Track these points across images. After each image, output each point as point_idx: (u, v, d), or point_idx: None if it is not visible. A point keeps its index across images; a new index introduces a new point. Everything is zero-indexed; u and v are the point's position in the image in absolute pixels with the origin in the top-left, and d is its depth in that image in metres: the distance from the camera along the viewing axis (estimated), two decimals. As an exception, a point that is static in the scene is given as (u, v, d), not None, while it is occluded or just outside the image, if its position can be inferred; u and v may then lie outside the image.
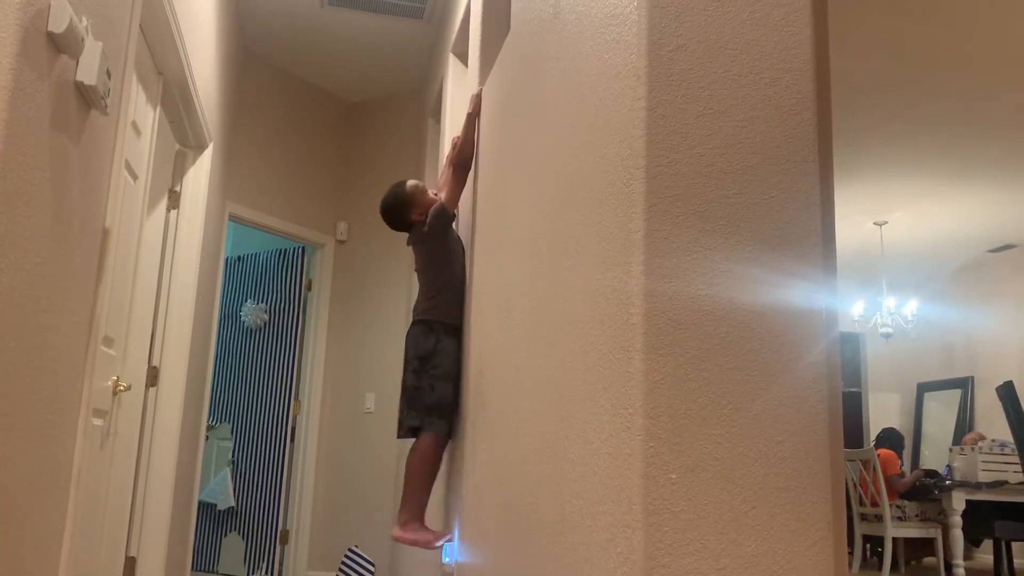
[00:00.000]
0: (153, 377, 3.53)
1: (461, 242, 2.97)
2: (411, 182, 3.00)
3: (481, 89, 2.91)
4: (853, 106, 4.72)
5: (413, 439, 2.76)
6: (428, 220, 2.84)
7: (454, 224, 2.99)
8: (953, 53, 4.13)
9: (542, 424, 1.79)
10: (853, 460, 5.66)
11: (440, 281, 2.84)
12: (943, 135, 5.09)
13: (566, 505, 1.56)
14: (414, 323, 2.84)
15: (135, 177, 2.80)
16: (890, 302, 7.10)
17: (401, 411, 2.79)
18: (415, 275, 3.01)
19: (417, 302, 2.89)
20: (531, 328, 1.96)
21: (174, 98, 3.26)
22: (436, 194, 2.97)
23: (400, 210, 2.95)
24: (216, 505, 5.24)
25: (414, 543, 2.67)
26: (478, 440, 2.50)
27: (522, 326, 2.06)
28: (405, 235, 3.01)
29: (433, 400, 2.72)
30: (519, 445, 1.98)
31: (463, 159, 2.92)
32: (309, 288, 5.38)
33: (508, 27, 2.63)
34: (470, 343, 2.71)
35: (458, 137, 2.97)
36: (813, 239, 1.39)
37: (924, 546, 6.01)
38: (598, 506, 1.39)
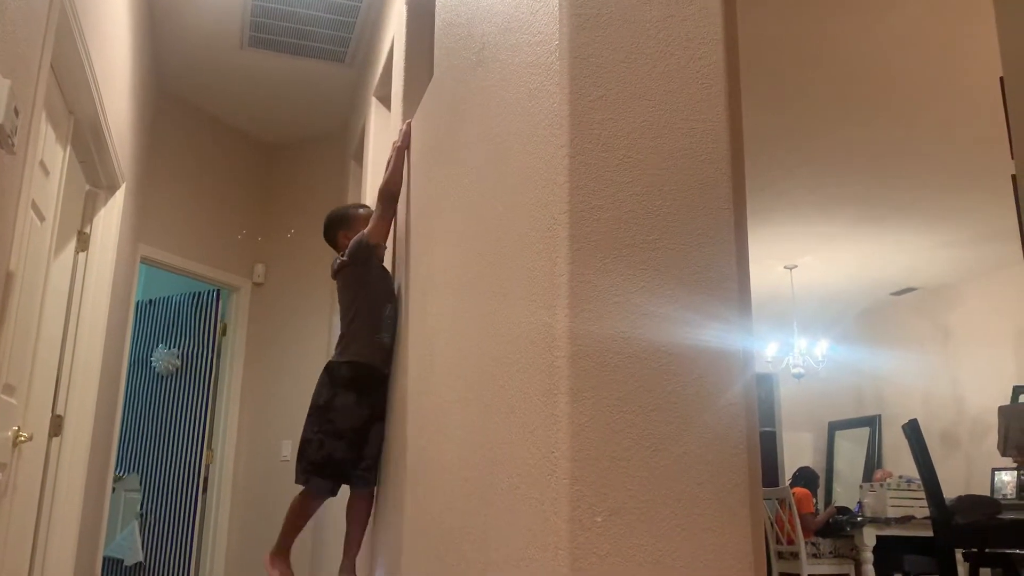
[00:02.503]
0: (57, 426, 3.37)
1: (388, 280, 2.87)
2: (366, 208, 2.95)
3: (409, 122, 2.87)
4: (764, 155, 4.91)
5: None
6: (348, 249, 2.77)
7: (385, 261, 2.92)
8: (857, 106, 4.35)
9: (467, 470, 1.77)
10: (769, 499, 5.78)
11: (351, 314, 2.74)
12: (848, 184, 5.33)
13: (492, 553, 1.54)
14: (324, 367, 2.76)
15: (42, 218, 2.70)
16: (801, 343, 7.33)
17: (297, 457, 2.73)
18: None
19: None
20: (455, 372, 1.95)
21: (85, 138, 3.17)
22: None
23: (332, 225, 2.92)
24: (123, 560, 5.00)
25: None
26: (404, 488, 2.46)
27: (446, 370, 2.05)
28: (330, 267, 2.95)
29: (319, 457, 2.62)
30: (443, 492, 1.96)
31: (390, 191, 2.84)
32: (223, 333, 5.24)
33: (431, 72, 2.66)
34: (397, 387, 2.66)
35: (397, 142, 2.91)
36: (729, 282, 1.43)
37: (838, 582, 6.15)
38: (524, 552, 1.38)
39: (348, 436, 2.64)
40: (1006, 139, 2.05)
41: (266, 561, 2.76)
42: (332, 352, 2.80)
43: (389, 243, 2.99)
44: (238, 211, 5.33)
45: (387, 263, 2.97)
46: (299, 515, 2.73)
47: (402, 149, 2.86)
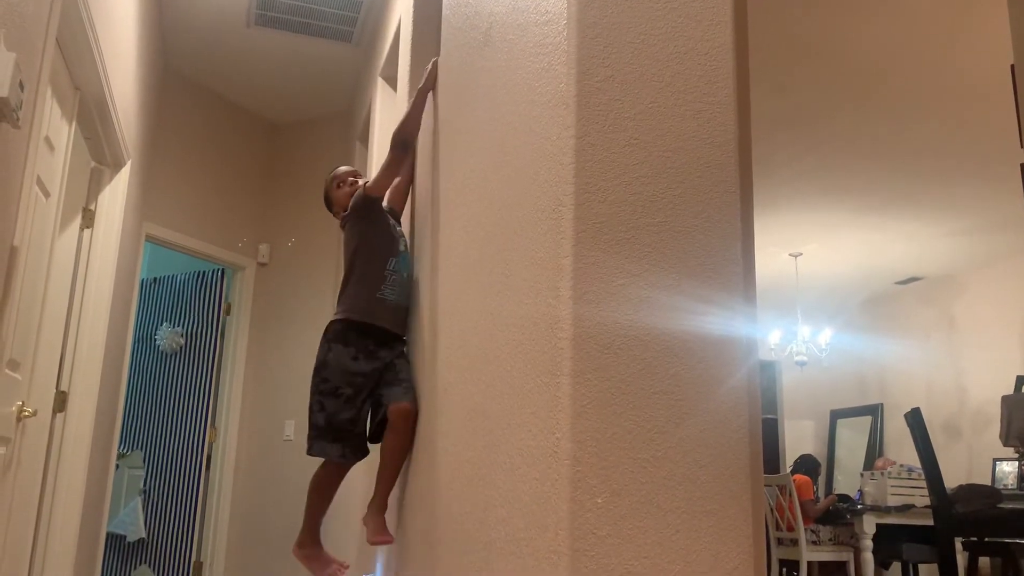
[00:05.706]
0: (61, 402, 3.38)
1: (391, 234, 2.63)
2: (338, 170, 2.80)
3: (435, 60, 2.66)
4: (771, 141, 4.89)
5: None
6: (349, 205, 2.62)
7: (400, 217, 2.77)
8: (863, 94, 4.32)
9: (468, 450, 1.78)
10: (770, 485, 5.79)
11: (346, 271, 2.57)
12: (854, 172, 5.31)
13: (492, 532, 1.55)
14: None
15: (47, 194, 2.70)
16: (804, 331, 7.32)
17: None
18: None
19: None
20: (458, 351, 1.96)
21: (91, 114, 3.17)
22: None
23: (325, 197, 2.82)
24: (126, 537, 5.03)
25: (306, 566, 2.55)
26: (407, 467, 2.47)
27: (449, 349, 2.05)
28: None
29: (321, 420, 2.47)
30: (444, 472, 1.96)
31: (401, 137, 2.61)
32: (228, 312, 5.25)
33: (438, 52, 2.64)
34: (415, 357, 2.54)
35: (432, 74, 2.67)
36: (734, 268, 1.43)
37: (837, 570, 6.17)
38: (524, 532, 1.39)
39: (346, 395, 2.46)
40: (1012, 128, 2.04)
41: (294, 552, 2.59)
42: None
43: (404, 217, 2.90)
44: (242, 190, 5.33)
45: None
46: (315, 489, 2.55)
47: (425, 91, 2.63)
